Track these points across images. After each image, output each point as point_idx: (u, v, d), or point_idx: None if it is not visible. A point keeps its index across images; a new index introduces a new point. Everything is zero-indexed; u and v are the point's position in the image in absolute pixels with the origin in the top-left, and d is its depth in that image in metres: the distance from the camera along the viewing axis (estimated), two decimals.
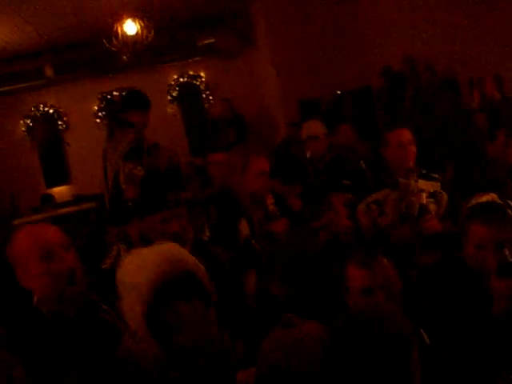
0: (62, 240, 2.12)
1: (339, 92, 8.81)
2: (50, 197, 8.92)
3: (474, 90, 6.92)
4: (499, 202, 3.18)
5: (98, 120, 10.19)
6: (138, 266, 1.64)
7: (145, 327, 1.63)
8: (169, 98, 10.50)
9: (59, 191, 10.09)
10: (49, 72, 9.69)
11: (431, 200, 3.35)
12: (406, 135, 3.48)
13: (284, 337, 1.71)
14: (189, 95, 10.56)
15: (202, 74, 10.53)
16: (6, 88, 9.61)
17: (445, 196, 3.44)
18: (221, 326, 1.83)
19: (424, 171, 3.52)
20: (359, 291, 2.22)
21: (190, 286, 1.63)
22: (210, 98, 10.53)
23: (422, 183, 3.38)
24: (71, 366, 1.88)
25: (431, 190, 3.38)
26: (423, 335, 2.06)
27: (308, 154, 4.89)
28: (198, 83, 10.58)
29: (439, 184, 3.48)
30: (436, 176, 3.55)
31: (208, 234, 3.36)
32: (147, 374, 1.59)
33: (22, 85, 9.67)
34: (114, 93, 10.16)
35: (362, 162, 5.42)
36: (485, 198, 3.27)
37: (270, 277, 2.48)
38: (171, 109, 10.50)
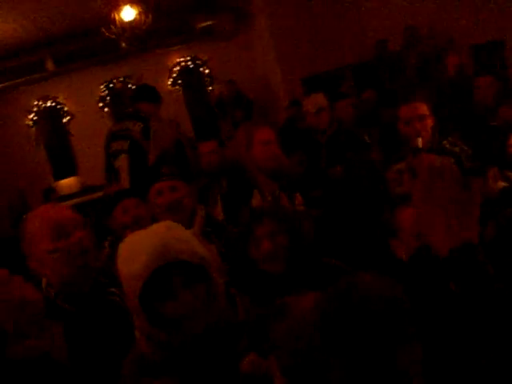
0: (74, 219, 2.10)
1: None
2: (52, 190, 8.95)
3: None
4: None
5: (101, 109, 10.16)
6: (129, 256, 1.58)
7: (144, 319, 1.57)
8: (170, 81, 10.42)
9: (68, 183, 10.13)
10: (50, 64, 9.66)
11: None
12: (418, 110, 3.13)
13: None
14: (190, 78, 10.48)
15: (203, 57, 10.44)
16: (7, 83, 9.59)
17: None
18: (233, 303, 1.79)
19: (445, 143, 3.17)
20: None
21: (183, 274, 1.56)
22: (213, 79, 10.45)
23: None
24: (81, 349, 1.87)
25: None
26: None
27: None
28: (198, 66, 10.49)
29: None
30: (455, 150, 3.16)
31: (222, 212, 3.37)
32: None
33: (23, 79, 9.65)
34: (115, 81, 10.14)
35: (365, 136, 5.35)
36: None
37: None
38: (174, 93, 10.45)
